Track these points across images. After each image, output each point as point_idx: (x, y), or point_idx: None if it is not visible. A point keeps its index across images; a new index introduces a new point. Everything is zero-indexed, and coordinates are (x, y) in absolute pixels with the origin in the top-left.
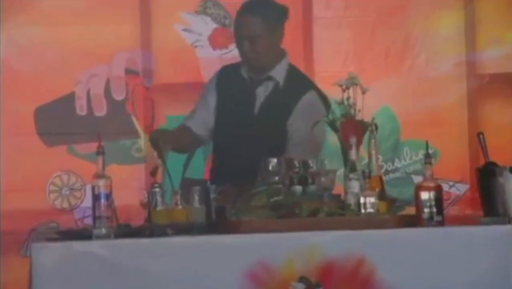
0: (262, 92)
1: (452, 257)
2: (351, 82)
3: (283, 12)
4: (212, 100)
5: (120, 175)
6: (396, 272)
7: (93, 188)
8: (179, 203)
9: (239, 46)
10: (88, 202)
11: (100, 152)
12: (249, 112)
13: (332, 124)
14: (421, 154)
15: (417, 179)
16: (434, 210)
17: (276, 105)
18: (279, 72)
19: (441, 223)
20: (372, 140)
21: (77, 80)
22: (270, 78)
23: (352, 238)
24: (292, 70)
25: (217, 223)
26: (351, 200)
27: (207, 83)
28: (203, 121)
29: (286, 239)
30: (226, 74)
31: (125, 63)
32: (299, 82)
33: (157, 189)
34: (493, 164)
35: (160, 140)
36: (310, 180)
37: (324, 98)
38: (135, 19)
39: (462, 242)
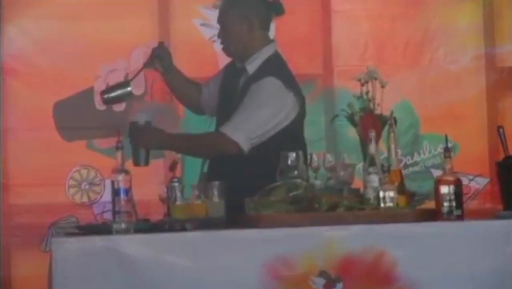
0: (241, 83)
1: (471, 250)
2: (370, 76)
3: (267, 5)
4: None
5: (139, 170)
6: (416, 266)
7: (112, 183)
8: (198, 197)
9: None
10: (107, 196)
11: (119, 146)
12: (232, 103)
13: (351, 119)
14: (440, 148)
15: (436, 173)
16: (454, 204)
17: (242, 96)
18: (253, 63)
19: (460, 217)
20: (391, 134)
21: (96, 75)
22: (244, 69)
23: (371, 232)
24: (272, 61)
25: (237, 218)
26: (371, 194)
27: (218, 73)
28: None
29: (305, 234)
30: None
31: (144, 58)
32: (267, 72)
33: (176, 184)
34: None
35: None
36: (329, 174)
37: (295, 88)
38: (153, 13)
39: (481, 236)
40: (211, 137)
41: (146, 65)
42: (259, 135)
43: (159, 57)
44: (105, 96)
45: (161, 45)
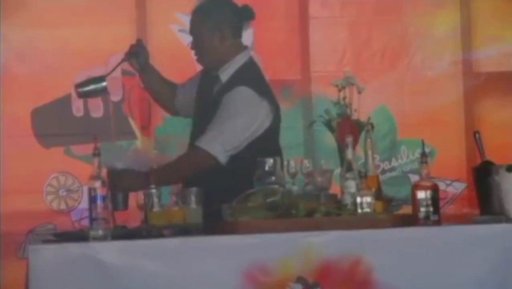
0: (215, 90)
1: (449, 256)
2: (347, 82)
3: (237, 12)
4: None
5: None
6: (393, 271)
7: (89, 190)
8: (176, 203)
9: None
10: (85, 203)
11: (96, 153)
12: (207, 110)
13: (328, 124)
14: (418, 153)
15: (414, 178)
16: (431, 209)
17: (215, 107)
18: (226, 71)
19: (437, 222)
20: (368, 140)
21: (74, 82)
22: (218, 77)
23: (349, 238)
24: (245, 69)
25: (214, 224)
26: (348, 200)
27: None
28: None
29: (283, 240)
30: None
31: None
32: (240, 80)
33: (153, 190)
34: (490, 163)
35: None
36: (306, 180)
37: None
38: (131, 20)
39: (458, 241)
40: (190, 156)
41: (123, 60)
42: (235, 146)
43: (136, 54)
44: (80, 89)
45: (139, 42)
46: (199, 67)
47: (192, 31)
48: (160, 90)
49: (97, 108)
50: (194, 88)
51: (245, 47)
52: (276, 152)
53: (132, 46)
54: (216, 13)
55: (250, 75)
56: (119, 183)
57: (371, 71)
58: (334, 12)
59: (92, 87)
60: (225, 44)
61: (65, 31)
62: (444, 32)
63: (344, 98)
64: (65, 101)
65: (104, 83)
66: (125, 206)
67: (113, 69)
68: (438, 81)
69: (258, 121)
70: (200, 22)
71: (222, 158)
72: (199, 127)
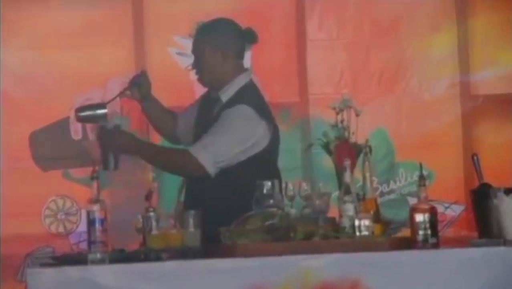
0: (215, 111)
1: (447, 279)
2: (345, 104)
3: (240, 34)
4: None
5: (116, 200)
6: None
7: (88, 213)
8: (174, 226)
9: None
10: (83, 226)
11: (94, 176)
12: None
13: (326, 147)
14: (416, 176)
15: (413, 201)
16: (429, 232)
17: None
18: (227, 92)
19: (436, 245)
20: (366, 163)
21: (72, 105)
22: (219, 98)
23: (347, 261)
24: (246, 90)
25: (212, 247)
26: (346, 223)
27: (194, 103)
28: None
29: (281, 263)
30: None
31: (120, 87)
32: (241, 100)
33: (151, 213)
34: (488, 185)
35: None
36: (304, 203)
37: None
38: (129, 43)
39: (457, 264)
40: (179, 155)
41: (125, 90)
42: (225, 159)
43: (138, 84)
44: (79, 114)
45: (143, 73)
46: (197, 90)
47: (194, 51)
48: (160, 119)
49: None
50: (194, 114)
51: (246, 69)
52: (275, 174)
53: (135, 76)
54: (220, 34)
55: (250, 96)
56: (110, 142)
57: (368, 94)
58: (332, 35)
59: (92, 113)
60: (227, 65)
61: (62, 54)
62: (442, 54)
63: (342, 121)
64: (63, 124)
65: (104, 110)
66: (116, 166)
67: (114, 98)
68: (435, 104)
69: (255, 139)
70: (203, 42)
71: (210, 168)
72: None
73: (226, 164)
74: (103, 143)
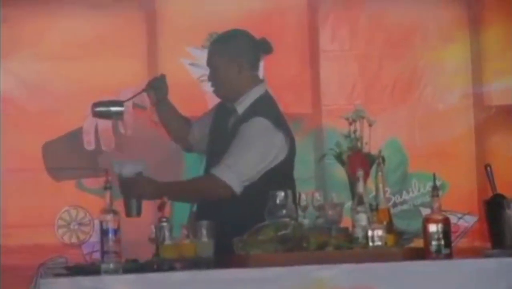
0: (231, 123)
1: None
2: (358, 115)
3: (255, 45)
4: (206, 126)
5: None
6: None
7: (101, 223)
8: (187, 237)
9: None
10: (97, 236)
11: (107, 186)
12: (222, 143)
13: (339, 158)
14: (429, 186)
15: (425, 211)
16: (442, 242)
17: (232, 137)
18: (242, 104)
19: (449, 256)
20: (379, 173)
21: (85, 116)
22: (234, 109)
23: (360, 271)
24: (261, 101)
25: (225, 257)
26: (359, 233)
27: (209, 111)
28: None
29: (294, 273)
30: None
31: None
32: (257, 112)
33: (164, 224)
34: (501, 196)
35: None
36: (317, 213)
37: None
38: (142, 54)
39: (470, 274)
40: (204, 181)
41: (143, 90)
42: (250, 177)
43: (155, 88)
44: (95, 109)
45: (162, 77)
46: (209, 100)
47: (209, 63)
48: (174, 124)
49: (108, 142)
50: (209, 123)
51: (261, 81)
52: (290, 184)
53: (153, 79)
54: (235, 45)
55: (266, 107)
56: (132, 191)
57: (381, 104)
58: (344, 46)
59: (109, 108)
60: (243, 76)
61: (75, 65)
62: (455, 65)
63: (354, 131)
64: (76, 134)
65: (121, 108)
66: (139, 212)
67: (133, 97)
68: (448, 114)
69: (274, 152)
70: (218, 53)
71: (237, 188)
72: (213, 160)
73: (251, 180)
74: (125, 191)
